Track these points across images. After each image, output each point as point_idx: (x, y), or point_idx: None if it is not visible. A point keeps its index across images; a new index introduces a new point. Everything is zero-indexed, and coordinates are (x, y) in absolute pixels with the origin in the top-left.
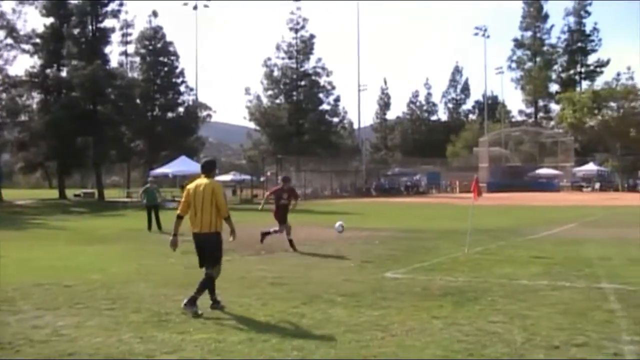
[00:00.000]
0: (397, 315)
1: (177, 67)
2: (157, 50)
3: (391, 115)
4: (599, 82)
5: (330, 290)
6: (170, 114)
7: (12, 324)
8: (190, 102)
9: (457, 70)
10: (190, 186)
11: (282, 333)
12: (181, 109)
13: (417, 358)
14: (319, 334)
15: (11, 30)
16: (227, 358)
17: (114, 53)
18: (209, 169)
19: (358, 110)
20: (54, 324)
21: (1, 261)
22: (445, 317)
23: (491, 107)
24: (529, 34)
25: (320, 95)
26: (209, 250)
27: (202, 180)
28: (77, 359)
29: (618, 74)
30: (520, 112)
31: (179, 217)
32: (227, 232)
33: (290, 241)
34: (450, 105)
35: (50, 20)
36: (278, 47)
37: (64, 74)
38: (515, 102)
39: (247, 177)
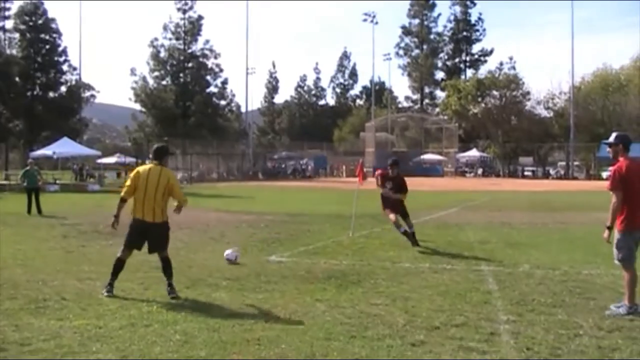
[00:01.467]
0: (281, 299)
1: (59, 45)
2: (37, 26)
3: (279, 99)
4: (483, 71)
5: (214, 274)
6: (51, 94)
7: None
8: (73, 82)
9: (345, 56)
10: (141, 170)
11: (164, 318)
12: (63, 89)
13: (299, 341)
14: (202, 318)
15: None
16: (108, 344)
17: None
18: (161, 155)
19: (246, 94)
20: None
21: None
22: (328, 300)
23: (378, 93)
24: (416, 21)
25: (208, 77)
26: (157, 238)
27: (155, 167)
28: None
29: (501, 64)
30: (407, 98)
31: (123, 201)
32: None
33: (406, 233)
34: (338, 90)
35: None
36: (165, 28)
37: None
38: (402, 88)
39: (132, 159)
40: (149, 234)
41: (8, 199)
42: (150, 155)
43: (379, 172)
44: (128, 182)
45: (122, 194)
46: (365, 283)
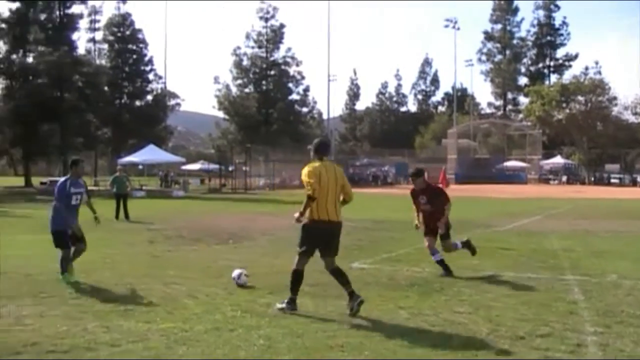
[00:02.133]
0: (364, 306)
1: (145, 55)
2: (125, 37)
3: (360, 105)
4: (567, 76)
5: None
6: (138, 102)
7: None
8: (159, 90)
9: (426, 62)
10: (317, 166)
11: (248, 322)
12: (149, 97)
13: (383, 348)
14: (286, 323)
15: None
16: (194, 347)
17: (81, 40)
18: (327, 150)
19: (327, 101)
20: (17, 313)
21: None
22: (411, 308)
23: (460, 99)
24: (499, 26)
25: (290, 84)
26: (337, 239)
27: (328, 163)
28: (40, 349)
29: (586, 68)
30: (489, 104)
31: (313, 200)
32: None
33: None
34: (419, 97)
35: (15, 4)
36: (248, 36)
37: (29, 60)
38: (484, 94)
39: (216, 166)
40: (332, 236)
41: (96, 204)
42: (313, 151)
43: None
44: (311, 180)
45: (312, 192)
46: (448, 291)
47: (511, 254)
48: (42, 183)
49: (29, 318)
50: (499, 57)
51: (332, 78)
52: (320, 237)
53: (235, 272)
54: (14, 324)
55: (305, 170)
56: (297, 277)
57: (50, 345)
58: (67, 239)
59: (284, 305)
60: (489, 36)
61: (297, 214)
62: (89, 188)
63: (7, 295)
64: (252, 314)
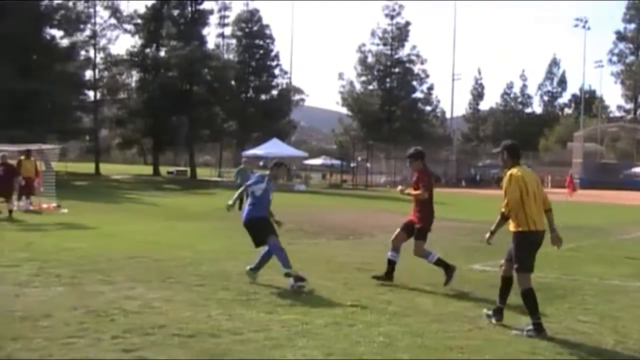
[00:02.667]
0: (485, 308)
1: (272, 50)
2: (253, 33)
3: (484, 105)
4: None
5: (416, 279)
6: (263, 97)
7: (106, 293)
8: (284, 86)
9: (554, 63)
10: (519, 173)
11: (368, 319)
12: (274, 92)
13: (504, 352)
14: (405, 321)
15: (115, 11)
16: (314, 340)
17: (211, 35)
18: (519, 154)
19: (451, 100)
20: (145, 296)
21: (96, 233)
22: None
23: (588, 102)
24: (632, 26)
25: (414, 83)
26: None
27: (527, 169)
28: (167, 332)
29: None
30: (619, 107)
31: (506, 218)
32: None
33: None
34: (545, 98)
35: (151, 1)
36: (373, 34)
37: (162, 53)
38: (613, 97)
39: (337, 162)
40: (538, 247)
41: (221, 195)
42: (509, 155)
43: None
44: (514, 188)
45: (504, 209)
46: (572, 298)
47: (637, 263)
48: (169, 172)
49: (157, 301)
50: (631, 58)
51: (456, 77)
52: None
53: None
54: (143, 306)
55: (511, 179)
56: (530, 297)
57: (176, 329)
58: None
59: (530, 328)
60: (621, 36)
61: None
62: (214, 179)
63: (138, 279)
64: (371, 310)
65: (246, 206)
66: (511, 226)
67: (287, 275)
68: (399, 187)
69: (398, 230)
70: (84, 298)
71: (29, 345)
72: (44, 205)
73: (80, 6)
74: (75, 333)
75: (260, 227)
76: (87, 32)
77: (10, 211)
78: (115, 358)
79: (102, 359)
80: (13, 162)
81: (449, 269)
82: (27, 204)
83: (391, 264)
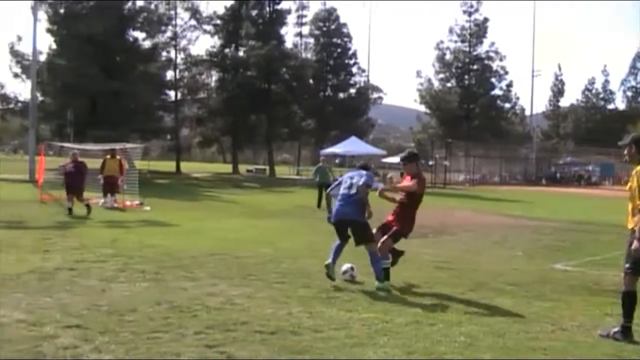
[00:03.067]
0: (567, 309)
1: (349, 49)
2: (330, 31)
3: (565, 102)
4: None
5: (497, 279)
6: (341, 95)
7: (189, 289)
8: (362, 84)
9: (638, 57)
10: None
11: (449, 318)
12: (352, 90)
13: (588, 355)
14: (487, 322)
15: (195, 12)
16: (394, 339)
17: (289, 34)
18: None
19: (531, 97)
20: (227, 293)
21: (178, 230)
22: (619, 316)
23: None
24: None
25: (493, 79)
26: None
27: None
28: (249, 329)
29: None
30: None
31: None
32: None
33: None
34: (628, 94)
35: (230, 2)
36: (451, 31)
37: (241, 53)
38: None
39: None
40: None
41: (299, 193)
42: (634, 148)
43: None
44: None
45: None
46: None
47: None
48: (248, 170)
49: (239, 298)
50: None
51: (536, 73)
52: None
53: (345, 266)
54: (225, 302)
55: None
56: (630, 300)
57: (257, 326)
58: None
59: (617, 330)
60: None
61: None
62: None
63: (219, 275)
64: (452, 309)
65: (354, 204)
66: (633, 224)
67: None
68: (379, 188)
69: (379, 235)
70: (167, 294)
71: (115, 338)
72: (128, 203)
73: (162, 8)
74: (160, 328)
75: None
76: (168, 34)
77: (88, 206)
78: (199, 353)
79: (186, 354)
80: (98, 161)
81: (387, 276)
82: (112, 201)
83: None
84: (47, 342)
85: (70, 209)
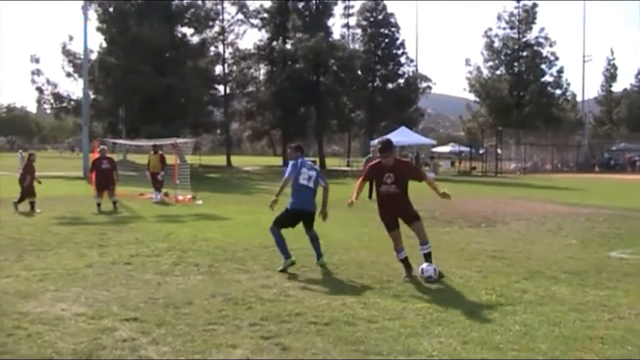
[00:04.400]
0: (625, 297)
1: (397, 39)
2: (377, 21)
3: (617, 87)
4: None
5: (552, 267)
6: (390, 85)
7: (243, 282)
8: (410, 74)
9: None
10: None
11: (503, 307)
12: (401, 80)
13: None
14: (542, 310)
15: (242, 7)
16: (449, 328)
17: (336, 25)
18: None
19: (582, 82)
20: (281, 285)
21: (230, 223)
22: None
23: None
24: None
25: (543, 66)
26: None
27: None
28: (304, 320)
29: None
30: None
31: None
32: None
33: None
34: None
35: None
36: (499, 17)
37: (288, 46)
38: None
39: (466, 149)
40: None
41: (350, 185)
42: None
43: (370, 164)
44: None
45: None
46: None
47: None
48: None
49: (292, 290)
50: None
51: (587, 58)
52: None
53: (426, 268)
54: (279, 294)
55: None
56: None
57: (312, 317)
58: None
59: None
60: None
61: None
62: (343, 168)
63: (273, 267)
64: (507, 298)
65: (313, 196)
66: None
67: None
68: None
69: (391, 234)
70: (222, 286)
71: (172, 331)
72: (180, 198)
73: (209, 4)
74: (215, 320)
75: None
76: (216, 29)
77: (115, 202)
78: (254, 344)
79: (241, 346)
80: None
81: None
82: (161, 196)
83: (405, 262)
84: (106, 334)
85: (99, 205)
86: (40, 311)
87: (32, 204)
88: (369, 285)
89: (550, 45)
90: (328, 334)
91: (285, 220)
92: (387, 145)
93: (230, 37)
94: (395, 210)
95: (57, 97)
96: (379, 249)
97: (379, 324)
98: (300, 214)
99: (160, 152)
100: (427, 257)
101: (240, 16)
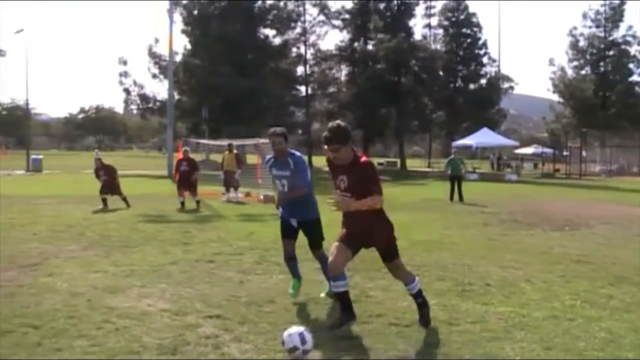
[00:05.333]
0: None
1: (479, 39)
2: (459, 21)
3: None
4: None
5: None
6: (472, 86)
7: (323, 281)
8: (493, 74)
9: None
10: None
11: (588, 313)
12: (483, 81)
13: None
14: (629, 318)
15: (323, 8)
16: (532, 333)
17: (417, 26)
18: None
19: None
20: (362, 285)
21: None
22: None
23: None
24: None
25: (630, 65)
26: None
27: None
28: (384, 321)
29: None
30: None
31: None
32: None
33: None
34: None
35: None
36: (585, 16)
37: (370, 47)
38: None
39: (549, 150)
40: None
41: (431, 186)
42: None
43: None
44: None
45: None
46: None
47: None
48: (379, 164)
49: (373, 290)
50: None
51: None
52: None
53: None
54: (360, 295)
55: None
56: None
57: (392, 318)
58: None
59: None
60: None
61: None
62: (423, 169)
63: (354, 268)
64: (591, 304)
65: None
66: None
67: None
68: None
69: (335, 245)
70: (303, 286)
71: (254, 329)
72: (262, 197)
73: (291, 5)
74: (296, 319)
75: None
76: (298, 30)
77: (198, 202)
78: (335, 344)
79: (323, 345)
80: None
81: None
82: (232, 195)
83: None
84: (190, 330)
85: (182, 203)
86: (127, 306)
87: (105, 201)
88: (450, 287)
89: (639, 44)
90: (409, 335)
91: (281, 230)
92: (336, 134)
93: (312, 38)
94: (360, 233)
95: (143, 98)
96: (460, 251)
97: (460, 327)
98: (285, 225)
99: (235, 151)
100: (420, 304)
101: (321, 17)
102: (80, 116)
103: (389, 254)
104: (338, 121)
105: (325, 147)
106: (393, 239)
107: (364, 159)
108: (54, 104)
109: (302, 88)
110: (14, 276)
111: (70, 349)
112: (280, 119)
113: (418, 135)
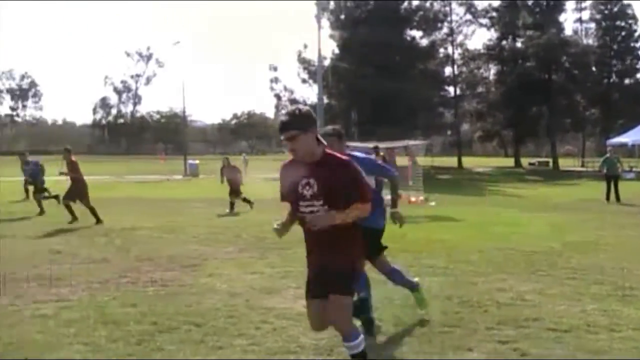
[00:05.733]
0: None
1: (635, 31)
2: (613, 14)
3: None
4: None
5: None
6: (627, 81)
7: (478, 284)
8: None
9: None
10: None
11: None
12: (639, 75)
13: None
14: None
15: (470, 7)
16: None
17: (568, 21)
18: None
19: None
20: (517, 288)
21: (463, 224)
22: None
23: None
24: None
25: None
26: None
27: None
28: (541, 326)
29: None
30: None
31: None
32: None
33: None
34: None
35: None
36: None
37: (519, 44)
38: None
39: None
40: None
41: (585, 185)
42: None
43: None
44: None
45: None
46: None
47: None
48: (530, 164)
49: (529, 294)
50: None
51: None
52: None
53: None
54: (515, 298)
55: None
56: None
57: (550, 323)
58: None
59: None
60: None
61: None
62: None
63: (507, 270)
64: None
65: None
66: None
67: None
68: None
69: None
70: (457, 288)
71: (408, 331)
72: (413, 199)
73: (437, 5)
74: (452, 322)
75: None
76: (445, 30)
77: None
78: (491, 348)
79: (479, 349)
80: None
81: None
82: None
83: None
84: None
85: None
86: (284, 307)
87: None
88: (610, 292)
89: None
90: (567, 341)
91: None
92: (294, 116)
93: (459, 38)
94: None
95: (294, 102)
96: (617, 253)
97: (622, 333)
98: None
99: (381, 153)
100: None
101: (468, 16)
102: (233, 122)
103: (335, 285)
104: (300, 105)
105: (281, 138)
106: (353, 269)
107: (340, 156)
108: (208, 110)
109: (451, 89)
110: (177, 276)
111: (231, 347)
112: (429, 120)
113: (570, 134)
